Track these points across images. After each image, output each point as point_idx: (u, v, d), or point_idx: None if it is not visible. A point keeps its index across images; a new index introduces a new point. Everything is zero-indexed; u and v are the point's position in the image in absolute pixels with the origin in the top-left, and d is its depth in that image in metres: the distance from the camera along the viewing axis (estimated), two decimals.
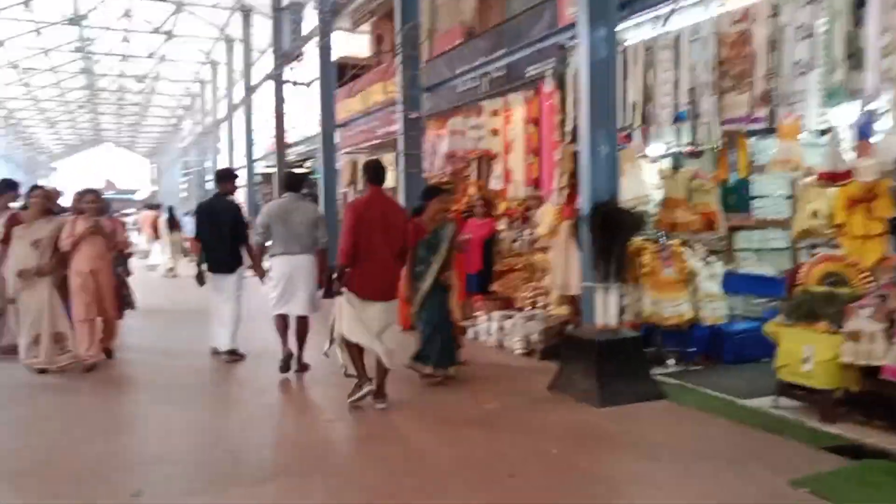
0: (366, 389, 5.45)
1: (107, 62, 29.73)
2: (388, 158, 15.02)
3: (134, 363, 7.45)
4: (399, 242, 5.56)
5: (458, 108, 9.86)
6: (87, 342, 6.75)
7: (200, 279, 7.17)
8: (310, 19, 15.43)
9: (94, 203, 6.89)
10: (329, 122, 13.29)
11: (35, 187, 7.27)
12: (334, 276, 5.50)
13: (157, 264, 17.87)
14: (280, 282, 6.53)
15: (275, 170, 18.61)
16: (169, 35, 24.44)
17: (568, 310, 7.68)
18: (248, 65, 21.11)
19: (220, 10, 21.17)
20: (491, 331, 8.13)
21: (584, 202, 6.13)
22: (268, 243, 6.75)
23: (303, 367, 6.65)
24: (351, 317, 5.41)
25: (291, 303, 6.54)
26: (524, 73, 8.43)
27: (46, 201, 6.95)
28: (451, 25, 11.25)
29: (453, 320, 6.55)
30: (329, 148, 13.14)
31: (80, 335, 6.74)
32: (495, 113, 8.90)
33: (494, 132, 8.91)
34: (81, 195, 6.99)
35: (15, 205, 7.79)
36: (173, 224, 17.69)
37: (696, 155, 7.36)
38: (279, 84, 16.97)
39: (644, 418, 5.43)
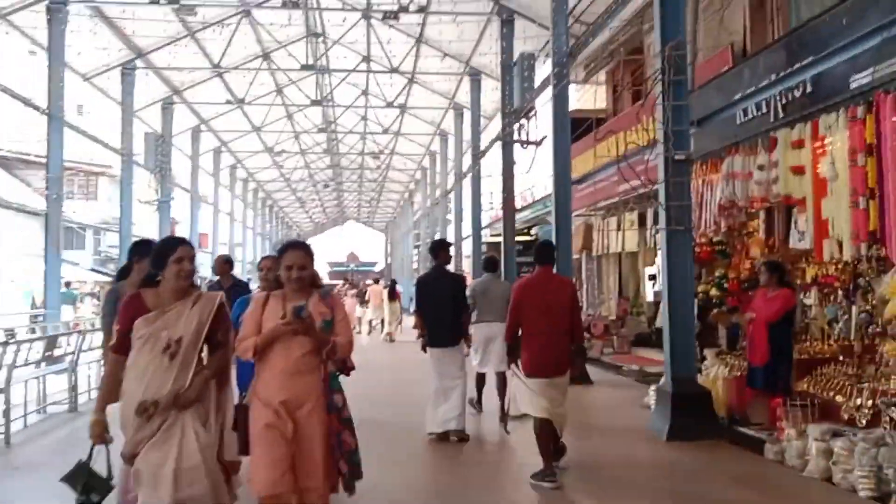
0: (548, 483, 5.35)
1: (347, 141, 31.30)
2: (629, 218, 12.97)
3: None
4: (565, 321, 5.58)
5: (736, 144, 7.59)
6: None
7: (425, 349, 7.25)
8: (540, 75, 14.19)
9: (301, 270, 3.63)
10: (564, 180, 11.58)
11: (174, 242, 3.69)
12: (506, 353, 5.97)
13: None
14: (480, 345, 7.75)
15: (500, 238, 17.36)
16: (402, 108, 24.83)
17: None
18: (476, 130, 20.45)
19: (450, 75, 20.85)
20: (808, 454, 5.56)
21: None
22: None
23: (504, 417, 7.19)
24: (522, 391, 5.60)
25: (489, 362, 7.73)
26: (846, 83, 5.99)
27: (192, 266, 3.56)
28: (714, 50, 9.09)
29: None
30: (564, 208, 11.38)
31: None
32: (798, 145, 6.52)
33: (796, 171, 6.51)
34: (279, 255, 3.78)
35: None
36: (393, 294, 19.78)
37: None
38: (507, 145, 15.82)
39: None
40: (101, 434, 3.37)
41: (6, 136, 26.42)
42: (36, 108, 12.37)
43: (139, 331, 3.42)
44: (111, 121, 20.10)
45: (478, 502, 5.21)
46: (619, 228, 13.17)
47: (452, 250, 8.18)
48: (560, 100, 11.63)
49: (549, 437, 5.52)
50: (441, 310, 7.02)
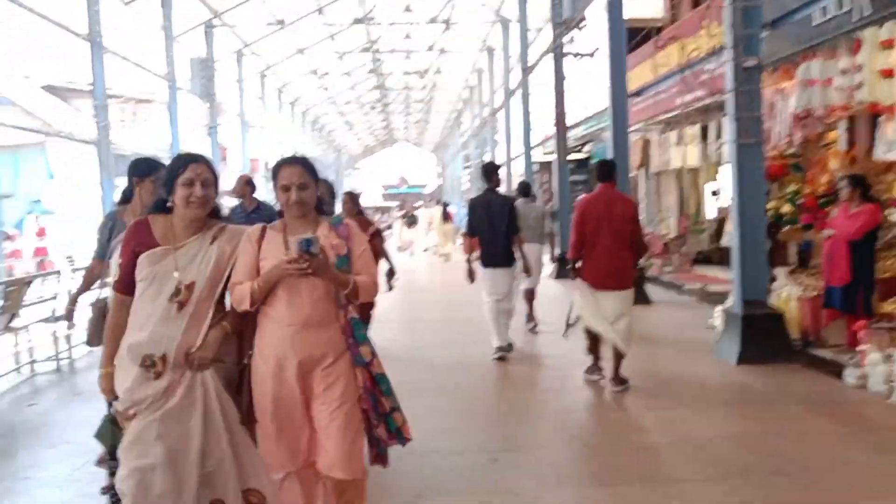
0: (596, 376, 5.96)
1: (392, 61, 30.56)
2: (690, 132, 12.31)
3: None
4: (627, 235, 5.67)
5: (813, 48, 6.93)
6: None
7: (471, 276, 7.29)
8: None
9: (301, 190, 2.84)
10: (620, 92, 10.97)
11: (183, 159, 2.83)
12: (568, 266, 6.10)
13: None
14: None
15: (553, 157, 16.82)
16: (447, 24, 23.99)
17: None
18: (524, 45, 19.62)
19: None
20: (895, 378, 5.23)
21: None
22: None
23: (534, 323, 8.58)
24: (586, 305, 5.73)
25: (526, 280, 7.97)
26: None
27: (206, 192, 2.76)
28: None
29: None
30: (620, 123, 10.82)
31: (282, 497, 2.90)
32: (887, 45, 5.89)
33: (886, 74, 5.90)
34: (273, 176, 2.97)
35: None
36: (446, 216, 21.76)
37: None
38: (559, 58, 15.12)
39: None
40: (111, 388, 2.78)
41: (60, 68, 26.57)
42: (76, 34, 12.26)
43: (142, 270, 2.73)
44: (155, 49, 19.95)
45: (540, 420, 5.14)
46: (679, 143, 12.53)
47: (503, 172, 8.28)
48: (615, 6, 10.91)
49: (597, 341, 5.88)
50: (495, 231, 7.10)
